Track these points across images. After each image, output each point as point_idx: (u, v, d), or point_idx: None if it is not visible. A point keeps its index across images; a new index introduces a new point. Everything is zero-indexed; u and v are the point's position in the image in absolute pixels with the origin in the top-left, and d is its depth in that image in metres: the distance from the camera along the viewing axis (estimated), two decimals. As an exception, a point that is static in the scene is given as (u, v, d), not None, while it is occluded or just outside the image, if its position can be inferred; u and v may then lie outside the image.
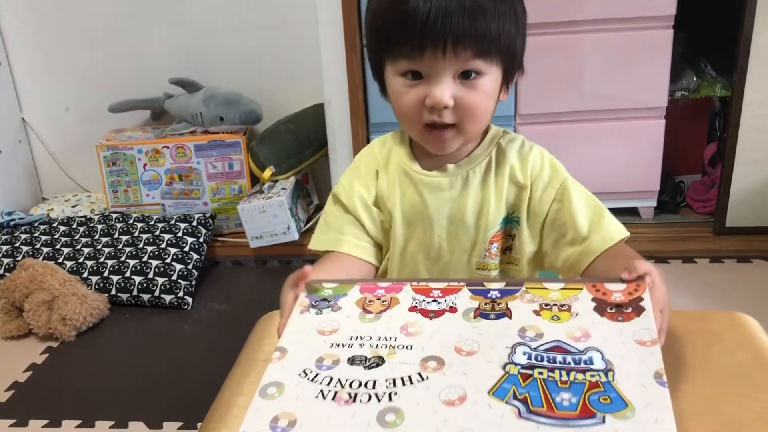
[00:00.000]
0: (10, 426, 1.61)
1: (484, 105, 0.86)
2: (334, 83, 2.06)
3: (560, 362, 0.62)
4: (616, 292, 0.70)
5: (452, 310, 0.71)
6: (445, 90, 0.82)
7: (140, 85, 2.44)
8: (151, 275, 2.08)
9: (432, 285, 0.75)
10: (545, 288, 0.72)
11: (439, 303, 0.72)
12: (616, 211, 0.94)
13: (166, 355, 1.87)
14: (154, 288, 2.06)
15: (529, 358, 0.63)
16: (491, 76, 0.85)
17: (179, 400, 1.66)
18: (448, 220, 0.94)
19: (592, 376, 0.60)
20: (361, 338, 0.68)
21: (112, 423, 1.59)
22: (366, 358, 0.66)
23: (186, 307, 2.06)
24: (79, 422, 1.60)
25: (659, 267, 0.72)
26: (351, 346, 0.67)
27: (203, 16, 2.37)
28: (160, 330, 1.99)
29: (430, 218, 0.94)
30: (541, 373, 0.61)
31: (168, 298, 2.06)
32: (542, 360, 0.63)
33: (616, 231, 0.89)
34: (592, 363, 0.61)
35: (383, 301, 0.73)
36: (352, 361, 0.65)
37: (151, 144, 2.27)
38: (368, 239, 0.96)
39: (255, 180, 2.31)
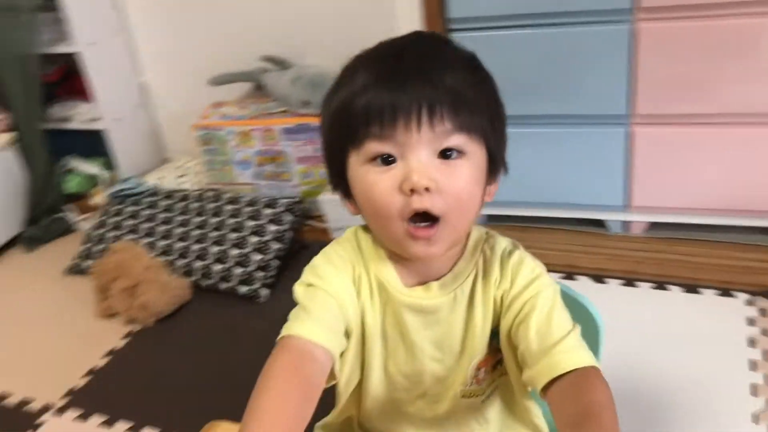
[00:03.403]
0: (74, 420, 1.73)
1: (470, 189, 0.71)
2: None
3: None
4: None
5: None
6: (424, 167, 0.67)
7: (243, 56, 2.38)
8: (230, 264, 2.09)
9: None
10: None
11: None
12: None
13: (231, 351, 1.88)
14: (231, 279, 2.07)
15: None
16: (474, 158, 0.70)
17: (230, 406, 1.67)
18: (434, 345, 0.80)
19: None
20: None
21: (158, 430, 1.64)
22: None
23: (260, 300, 2.05)
24: (131, 425, 1.68)
25: None
26: None
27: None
28: (232, 323, 2.01)
29: (412, 342, 0.80)
30: None
31: (243, 289, 2.06)
32: None
33: (572, 359, 0.69)
34: None
35: None
36: None
37: (241, 126, 2.23)
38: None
39: (343, 166, 2.20)
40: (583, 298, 1.00)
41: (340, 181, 0.75)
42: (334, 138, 0.74)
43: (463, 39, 1.87)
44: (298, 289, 0.78)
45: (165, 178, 2.56)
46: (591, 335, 0.99)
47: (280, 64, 2.21)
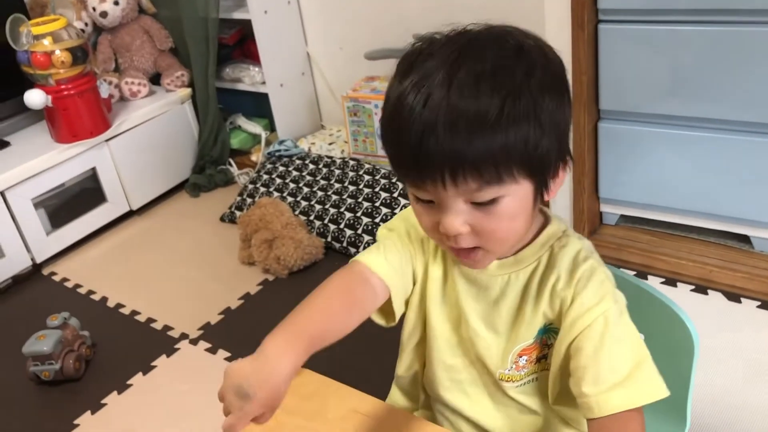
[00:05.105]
0: (205, 350, 1.93)
1: (507, 226, 0.73)
2: (558, 64, 1.82)
3: None
4: None
5: None
6: (456, 219, 0.71)
7: (398, 34, 2.46)
8: (360, 231, 2.20)
9: None
10: None
11: None
12: None
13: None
14: (360, 244, 2.18)
15: None
16: (513, 195, 0.71)
17: (336, 363, 1.78)
18: (481, 320, 0.84)
19: None
20: None
21: (270, 374, 1.79)
22: None
23: (383, 269, 2.14)
24: (249, 364, 1.84)
25: None
26: None
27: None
28: (355, 286, 2.12)
29: (462, 310, 0.84)
30: None
31: (370, 256, 2.16)
32: None
33: (625, 399, 0.73)
34: None
35: None
36: None
37: (387, 100, 2.31)
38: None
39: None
40: (682, 312, 0.97)
41: None
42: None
43: (615, 32, 1.82)
44: (381, 230, 0.87)
45: (316, 144, 2.71)
46: (685, 351, 0.97)
47: (432, 43, 2.26)
